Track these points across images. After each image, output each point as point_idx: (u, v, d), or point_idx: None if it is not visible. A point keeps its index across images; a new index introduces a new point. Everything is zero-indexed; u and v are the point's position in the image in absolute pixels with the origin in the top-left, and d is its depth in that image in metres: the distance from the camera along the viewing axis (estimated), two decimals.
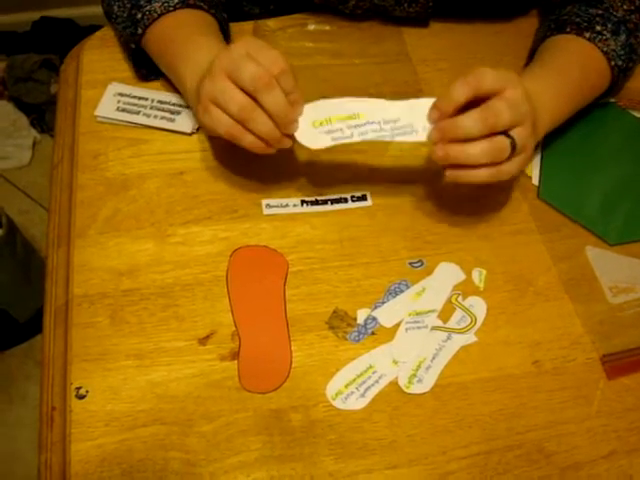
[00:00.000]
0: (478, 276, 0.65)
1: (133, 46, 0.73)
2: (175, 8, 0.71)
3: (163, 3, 0.71)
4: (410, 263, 0.66)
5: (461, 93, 0.58)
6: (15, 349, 1.60)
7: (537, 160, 0.74)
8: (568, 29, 0.74)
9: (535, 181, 0.72)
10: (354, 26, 0.85)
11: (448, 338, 0.61)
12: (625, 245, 0.68)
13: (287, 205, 0.69)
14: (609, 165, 0.75)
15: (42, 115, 1.99)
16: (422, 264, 0.66)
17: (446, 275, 0.65)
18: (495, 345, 0.61)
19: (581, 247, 0.68)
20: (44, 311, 0.63)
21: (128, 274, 0.64)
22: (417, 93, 0.79)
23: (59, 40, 2.04)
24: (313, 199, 0.69)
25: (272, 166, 0.72)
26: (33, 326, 1.56)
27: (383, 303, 0.63)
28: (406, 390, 0.58)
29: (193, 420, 0.56)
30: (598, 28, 0.72)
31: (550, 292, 0.65)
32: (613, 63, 0.72)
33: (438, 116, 0.60)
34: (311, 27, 0.85)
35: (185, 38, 0.70)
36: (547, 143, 0.74)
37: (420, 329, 0.61)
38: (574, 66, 0.71)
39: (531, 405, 0.58)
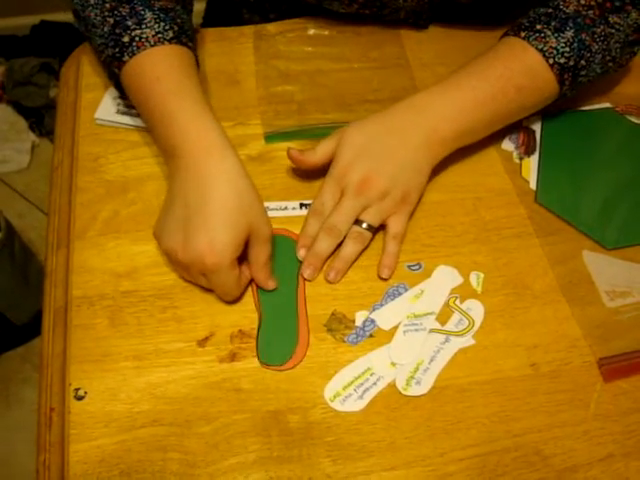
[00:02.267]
0: (476, 279, 0.66)
1: (117, 71, 0.68)
2: (170, 42, 0.66)
3: (157, 33, 0.66)
4: (408, 266, 0.66)
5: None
6: (12, 352, 1.60)
7: (535, 164, 0.74)
8: (509, 31, 0.73)
9: (533, 185, 0.73)
10: (353, 31, 0.86)
11: (446, 341, 0.62)
12: (622, 249, 0.68)
13: (286, 208, 0.69)
14: (606, 170, 0.75)
15: (41, 119, 1.99)
16: (420, 267, 0.66)
17: (444, 278, 0.65)
18: (493, 348, 0.61)
19: (578, 251, 0.68)
20: (43, 312, 0.64)
21: (127, 276, 0.64)
22: None
23: (58, 44, 2.05)
24: (312, 202, 0.69)
25: (271, 169, 0.72)
26: (31, 329, 1.57)
27: (381, 306, 0.63)
28: (404, 392, 0.58)
29: (192, 421, 0.56)
30: (538, 27, 0.71)
31: (547, 295, 0.65)
32: (552, 61, 0.69)
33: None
34: (311, 31, 0.85)
35: (171, 92, 0.64)
36: (545, 148, 0.75)
37: (418, 331, 0.62)
38: (496, 70, 0.70)
39: (528, 408, 0.58)
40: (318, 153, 0.69)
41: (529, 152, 0.75)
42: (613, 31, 0.72)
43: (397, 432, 0.57)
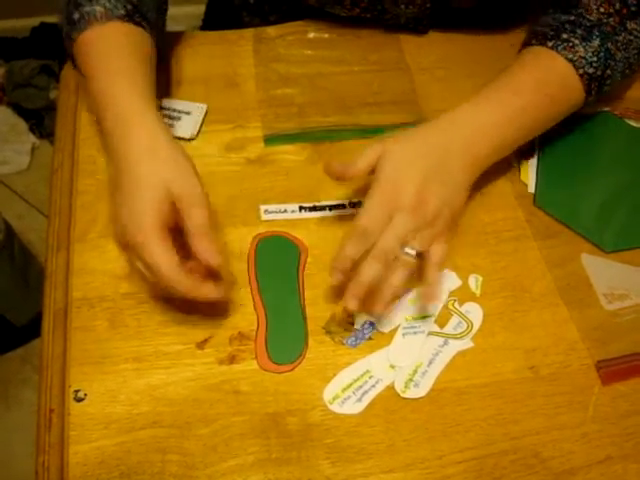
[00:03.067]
0: (474, 282, 0.66)
1: (70, 50, 0.68)
2: (119, 18, 0.66)
3: (107, 10, 0.65)
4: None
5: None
6: (12, 353, 1.60)
7: (533, 168, 0.74)
8: (533, 41, 0.72)
9: (531, 189, 0.73)
10: (353, 34, 0.86)
11: (445, 343, 0.62)
12: (620, 252, 0.68)
13: (285, 211, 0.69)
14: (605, 173, 0.75)
15: (41, 120, 1.99)
16: None
17: (443, 281, 0.66)
18: (491, 351, 0.62)
19: (577, 254, 0.68)
20: (43, 314, 0.64)
21: (127, 278, 0.64)
22: (413, 102, 0.79)
23: (58, 46, 2.03)
24: (311, 205, 0.70)
25: (270, 172, 0.72)
26: (30, 330, 1.57)
27: None
28: (402, 395, 0.59)
29: (191, 423, 0.56)
30: (564, 36, 0.69)
31: (546, 298, 0.65)
32: (582, 71, 0.69)
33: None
34: (310, 35, 0.86)
35: (115, 73, 0.64)
36: (543, 151, 0.75)
37: (417, 334, 0.62)
38: (525, 81, 0.69)
39: (527, 410, 0.58)
40: (359, 165, 0.63)
41: (526, 155, 0.75)
42: (632, 38, 0.71)
43: (396, 434, 0.57)
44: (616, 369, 0.61)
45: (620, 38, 0.71)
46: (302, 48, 0.84)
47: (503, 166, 0.74)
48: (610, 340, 0.63)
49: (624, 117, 0.80)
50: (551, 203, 0.71)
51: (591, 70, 0.69)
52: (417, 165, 0.63)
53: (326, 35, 0.86)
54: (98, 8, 0.65)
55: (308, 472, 0.55)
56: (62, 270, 0.65)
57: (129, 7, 0.67)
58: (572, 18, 0.71)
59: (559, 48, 0.69)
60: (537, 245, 0.68)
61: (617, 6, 0.71)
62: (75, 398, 0.57)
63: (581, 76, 0.69)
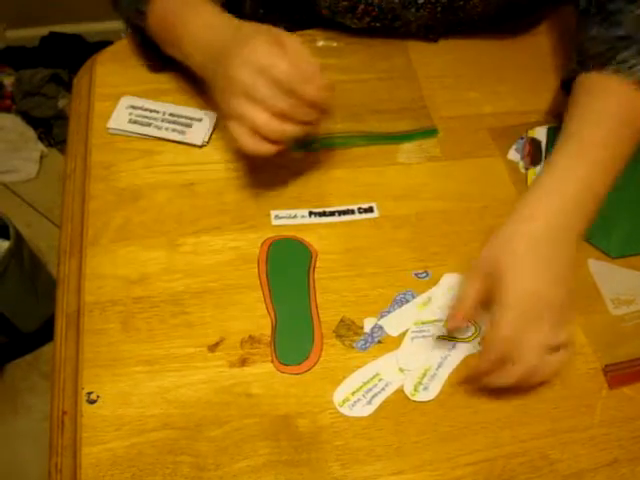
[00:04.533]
0: None
1: (142, 25, 0.71)
2: None
3: None
4: (415, 274, 0.67)
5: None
6: (20, 360, 1.60)
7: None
8: (591, 65, 0.68)
9: None
10: (362, 43, 0.87)
11: (453, 347, 0.62)
12: (627, 258, 0.69)
13: (295, 216, 0.70)
14: None
15: (49, 129, 2.01)
16: (427, 275, 0.67)
17: (451, 286, 0.66)
18: None
19: (583, 260, 0.69)
20: (55, 317, 0.64)
21: (139, 282, 0.65)
22: (421, 109, 0.80)
23: (67, 55, 2.07)
24: (321, 210, 0.70)
25: (281, 178, 0.73)
26: (38, 337, 1.57)
27: (389, 312, 0.64)
28: (412, 398, 0.59)
29: (202, 425, 0.57)
30: (621, 56, 0.66)
31: None
32: None
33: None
34: (319, 43, 0.87)
35: (186, 6, 0.69)
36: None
37: (426, 338, 0.62)
38: (603, 125, 0.64)
39: (535, 413, 0.59)
40: (467, 302, 0.60)
41: (535, 162, 0.76)
42: None
43: (405, 437, 0.57)
44: (623, 373, 0.61)
45: None
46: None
47: (511, 173, 0.75)
48: (617, 344, 0.63)
49: None
50: None
51: None
52: (536, 270, 0.59)
53: (335, 44, 0.87)
54: None
55: (318, 474, 0.55)
56: (75, 274, 0.66)
57: None
58: (621, 33, 0.67)
59: (621, 73, 0.65)
60: None
61: None
62: (87, 400, 0.58)
63: None
